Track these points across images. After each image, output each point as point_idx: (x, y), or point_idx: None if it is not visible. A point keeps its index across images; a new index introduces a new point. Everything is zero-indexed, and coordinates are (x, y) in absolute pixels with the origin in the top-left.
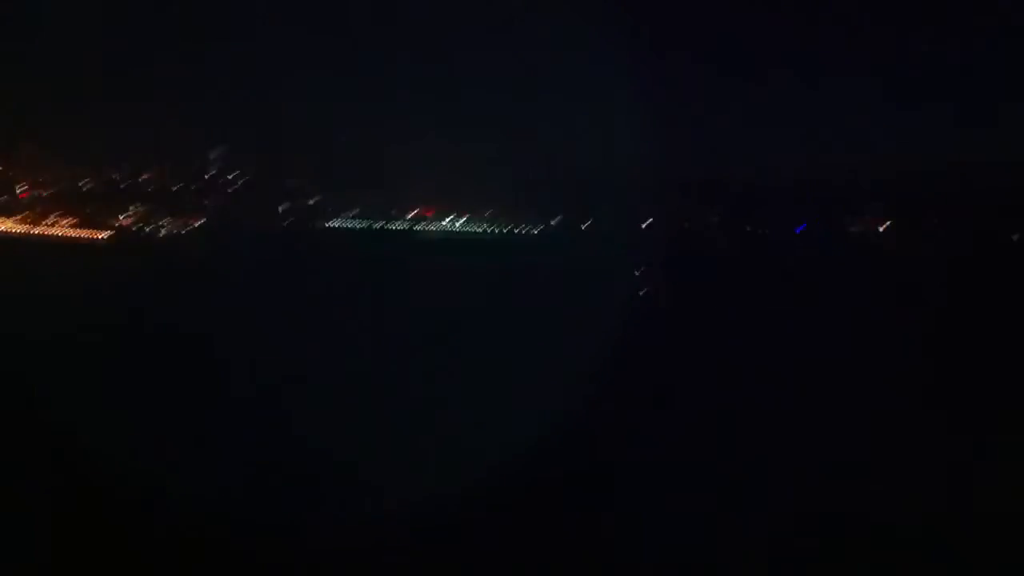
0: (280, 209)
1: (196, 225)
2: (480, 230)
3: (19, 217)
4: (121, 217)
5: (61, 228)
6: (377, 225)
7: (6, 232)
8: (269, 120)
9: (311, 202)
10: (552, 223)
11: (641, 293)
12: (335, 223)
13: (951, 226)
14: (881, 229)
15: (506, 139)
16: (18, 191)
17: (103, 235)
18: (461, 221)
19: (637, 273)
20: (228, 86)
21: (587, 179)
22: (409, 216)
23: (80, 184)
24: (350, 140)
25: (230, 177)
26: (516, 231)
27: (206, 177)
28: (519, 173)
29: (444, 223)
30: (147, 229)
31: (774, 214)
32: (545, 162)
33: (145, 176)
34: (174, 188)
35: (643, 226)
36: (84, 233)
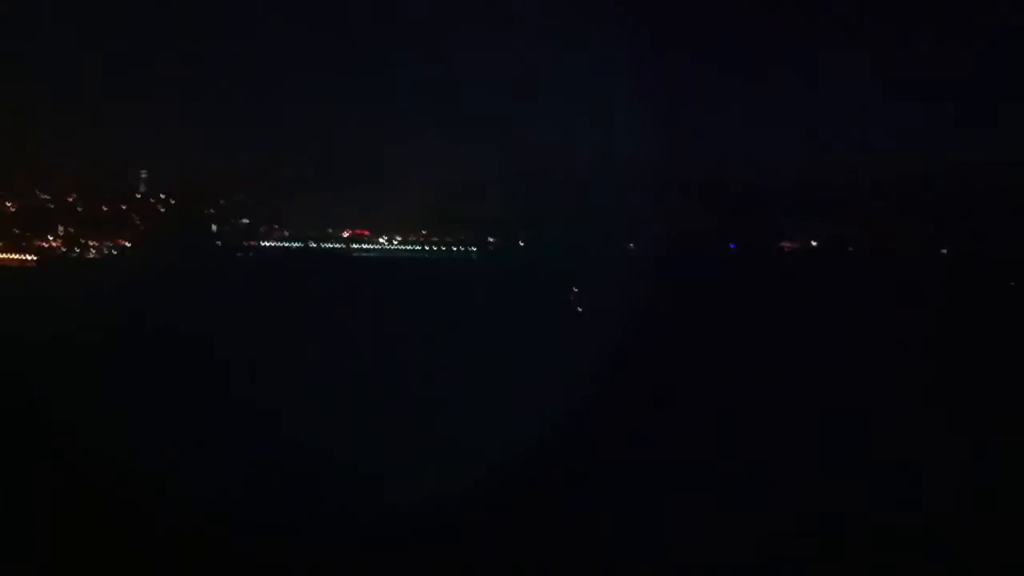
0: (213, 228)
1: (126, 245)
2: (416, 249)
3: None
4: (51, 239)
5: None
6: (312, 245)
7: None
8: (199, 141)
9: (243, 222)
10: (490, 241)
11: (578, 311)
12: (268, 243)
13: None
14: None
15: (448, 161)
16: None
17: (30, 257)
18: (397, 241)
19: (571, 296)
20: (159, 107)
21: (522, 201)
22: (344, 235)
23: (8, 205)
24: (282, 160)
25: (162, 197)
26: (454, 250)
27: (137, 196)
28: (456, 193)
29: (380, 243)
30: (76, 250)
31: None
32: (480, 183)
33: (71, 197)
34: (104, 208)
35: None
36: (10, 256)
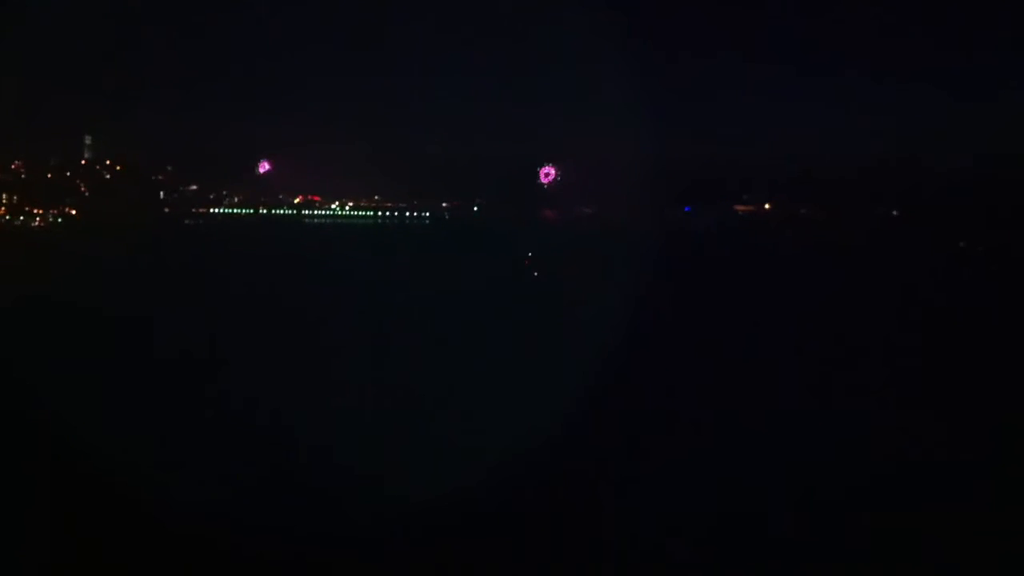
0: (160, 195)
1: (72, 213)
2: (369, 215)
3: None
4: None
5: None
6: (263, 211)
7: None
8: (147, 108)
9: (192, 188)
10: (444, 207)
11: (534, 275)
12: (218, 210)
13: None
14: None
15: (399, 127)
16: None
17: None
18: (348, 207)
19: (527, 261)
20: (105, 74)
21: (477, 166)
22: (295, 202)
23: None
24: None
25: (107, 163)
26: (407, 216)
27: (83, 163)
28: (406, 160)
29: (332, 209)
30: (20, 218)
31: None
32: (435, 149)
33: (15, 164)
34: (48, 176)
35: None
36: None
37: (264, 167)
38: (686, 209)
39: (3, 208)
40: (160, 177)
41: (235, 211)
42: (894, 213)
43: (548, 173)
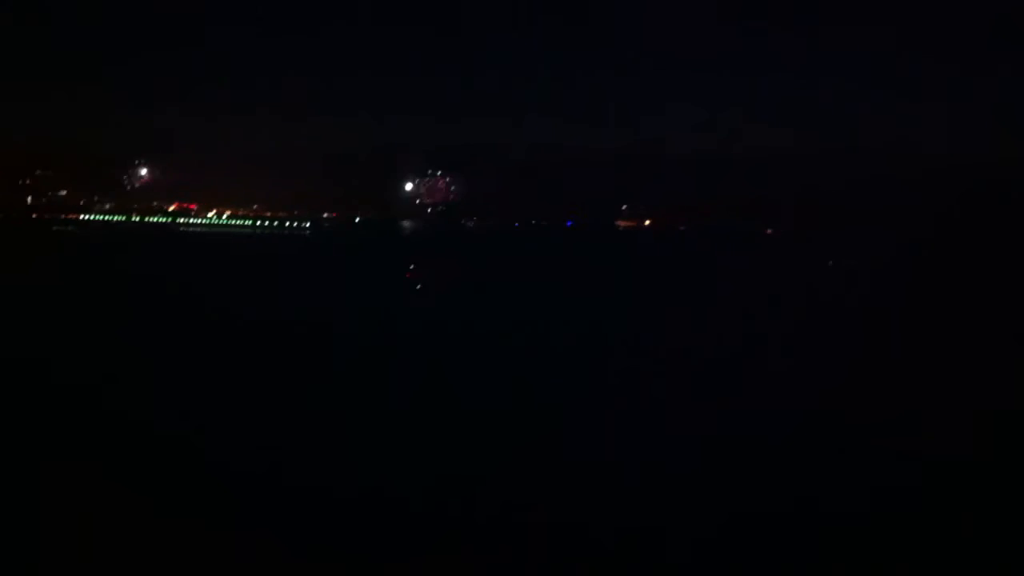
0: (28, 201)
1: None
2: (247, 224)
3: None
4: None
5: None
6: (135, 218)
7: None
8: (17, 107)
9: (61, 193)
10: (324, 217)
11: (417, 287)
12: (88, 216)
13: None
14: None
15: (279, 130)
16: None
17: None
18: (226, 215)
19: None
20: None
21: (359, 173)
22: (170, 210)
23: None
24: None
25: None
26: (286, 225)
27: None
28: (288, 166)
29: (208, 217)
30: None
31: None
32: (316, 155)
33: None
34: None
35: (418, 216)
36: None
37: (140, 172)
38: (567, 224)
39: None
40: (28, 181)
41: (107, 218)
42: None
43: (432, 184)
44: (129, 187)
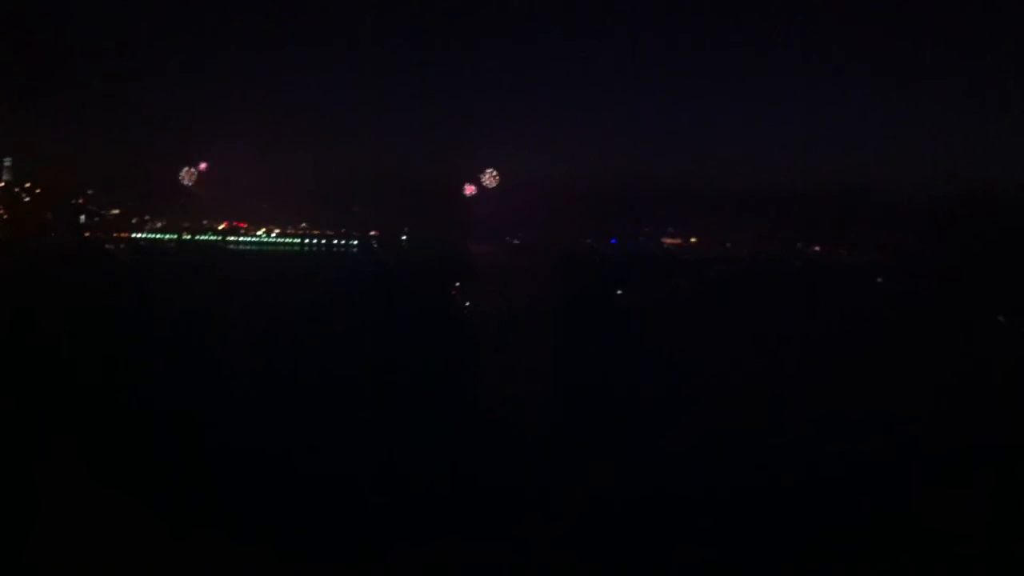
0: (81, 219)
1: None
2: (295, 242)
3: None
4: None
5: None
6: (187, 237)
7: None
8: (70, 130)
9: (114, 213)
10: (371, 235)
11: (466, 305)
12: (141, 235)
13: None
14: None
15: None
16: None
17: None
18: (275, 234)
19: (453, 291)
20: (27, 93)
21: (404, 193)
22: (220, 228)
23: None
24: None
25: (27, 186)
26: (334, 244)
27: (0, 185)
28: (336, 186)
29: (258, 236)
30: None
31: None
32: (364, 174)
33: None
34: None
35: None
36: None
37: (191, 184)
38: (612, 241)
39: None
40: (80, 200)
41: (158, 236)
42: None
43: (473, 192)
44: (180, 206)
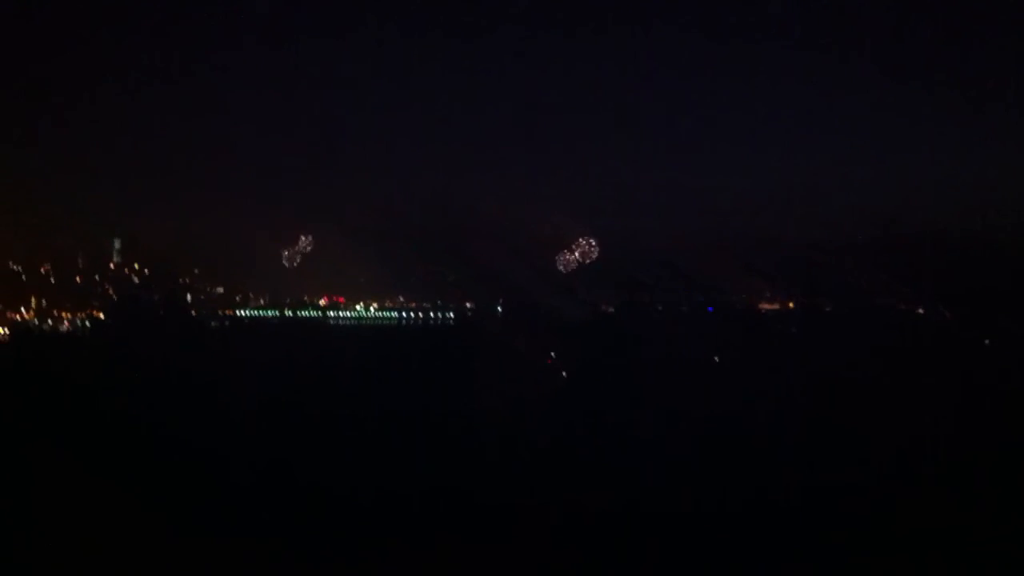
0: (188, 298)
1: (100, 317)
2: (394, 316)
3: None
4: (23, 311)
5: None
6: (288, 313)
7: None
8: (174, 208)
9: (219, 291)
10: (468, 306)
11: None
12: (244, 312)
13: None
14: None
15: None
16: None
17: (2, 331)
18: (373, 307)
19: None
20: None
21: (499, 263)
22: (320, 304)
23: None
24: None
25: (135, 267)
26: (431, 316)
27: (111, 266)
28: (429, 258)
29: (356, 310)
30: (49, 323)
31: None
32: (456, 246)
33: (45, 268)
34: (78, 279)
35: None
36: None
37: (294, 264)
38: (708, 310)
39: (31, 312)
40: (187, 280)
41: (260, 312)
42: None
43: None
44: (279, 283)
